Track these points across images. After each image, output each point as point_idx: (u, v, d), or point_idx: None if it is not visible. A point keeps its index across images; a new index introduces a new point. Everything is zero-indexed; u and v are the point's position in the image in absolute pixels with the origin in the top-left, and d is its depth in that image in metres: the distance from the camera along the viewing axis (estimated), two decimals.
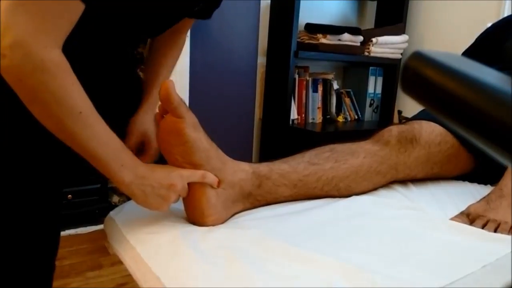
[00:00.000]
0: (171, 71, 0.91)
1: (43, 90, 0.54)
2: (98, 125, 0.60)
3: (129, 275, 0.64)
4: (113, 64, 0.87)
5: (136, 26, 0.74)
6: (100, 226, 1.68)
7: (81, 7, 0.56)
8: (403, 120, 2.05)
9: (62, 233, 0.79)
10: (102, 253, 1.60)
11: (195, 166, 0.68)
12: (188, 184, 0.68)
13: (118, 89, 0.88)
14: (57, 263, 0.78)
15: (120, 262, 0.69)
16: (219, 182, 0.70)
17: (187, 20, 0.88)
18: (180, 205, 0.73)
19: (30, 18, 0.51)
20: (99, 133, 0.60)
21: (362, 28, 2.28)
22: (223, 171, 0.71)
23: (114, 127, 0.65)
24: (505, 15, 1.92)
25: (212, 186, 0.69)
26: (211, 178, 0.68)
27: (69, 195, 1.70)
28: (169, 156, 0.69)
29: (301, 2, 1.97)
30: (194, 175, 0.67)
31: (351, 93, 2.43)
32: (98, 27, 0.68)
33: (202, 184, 0.68)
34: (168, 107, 0.66)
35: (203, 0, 0.79)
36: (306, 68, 2.22)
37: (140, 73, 0.99)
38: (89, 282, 1.42)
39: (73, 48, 0.59)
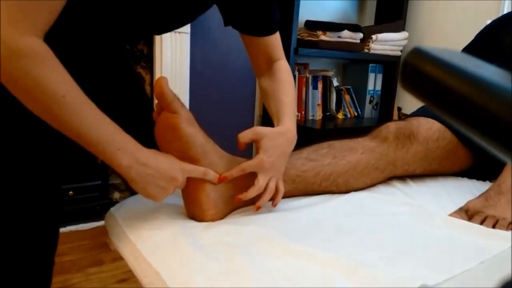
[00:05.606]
0: (291, 96, 0.85)
1: (22, 76, 0.55)
2: (86, 108, 0.58)
3: (130, 271, 0.64)
4: (107, 58, 0.86)
5: (125, 20, 0.73)
6: (101, 223, 1.68)
7: None
8: (403, 116, 2.05)
9: (63, 229, 0.79)
10: (103, 249, 1.60)
11: (192, 161, 0.68)
12: (187, 178, 0.68)
13: (114, 83, 0.88)
14: (58, 259, 0.78)
15: (121, 258, 0.69)
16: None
17: (261, 43, 0.85)
18: (179, 201, 0.73)
19: (7, 8, 0.53)
20: (87, 116, 0.58)
21: (362, 25, 2.28)
22: (221, 166, 0.71)
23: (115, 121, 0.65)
24: (505, 12, 1.92)
25: (211, 182, 0.69)
26: (212, 175, 0.68)
27: (70, 192, 1.70)
28: (167, 152, 0.69)
29: None
30: (196, 171, 0.67)
31: (351, 90, 2.43)
32: (87, 17, 0.68)
33: (200, 179, 0.68)
34: (162, 103, 0.67)
35: (206, 5, 0.78)
36: (306, 65, 2.22)
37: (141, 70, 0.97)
38: (90, 278, 1.42)
39: (63, 38, 0.59)
